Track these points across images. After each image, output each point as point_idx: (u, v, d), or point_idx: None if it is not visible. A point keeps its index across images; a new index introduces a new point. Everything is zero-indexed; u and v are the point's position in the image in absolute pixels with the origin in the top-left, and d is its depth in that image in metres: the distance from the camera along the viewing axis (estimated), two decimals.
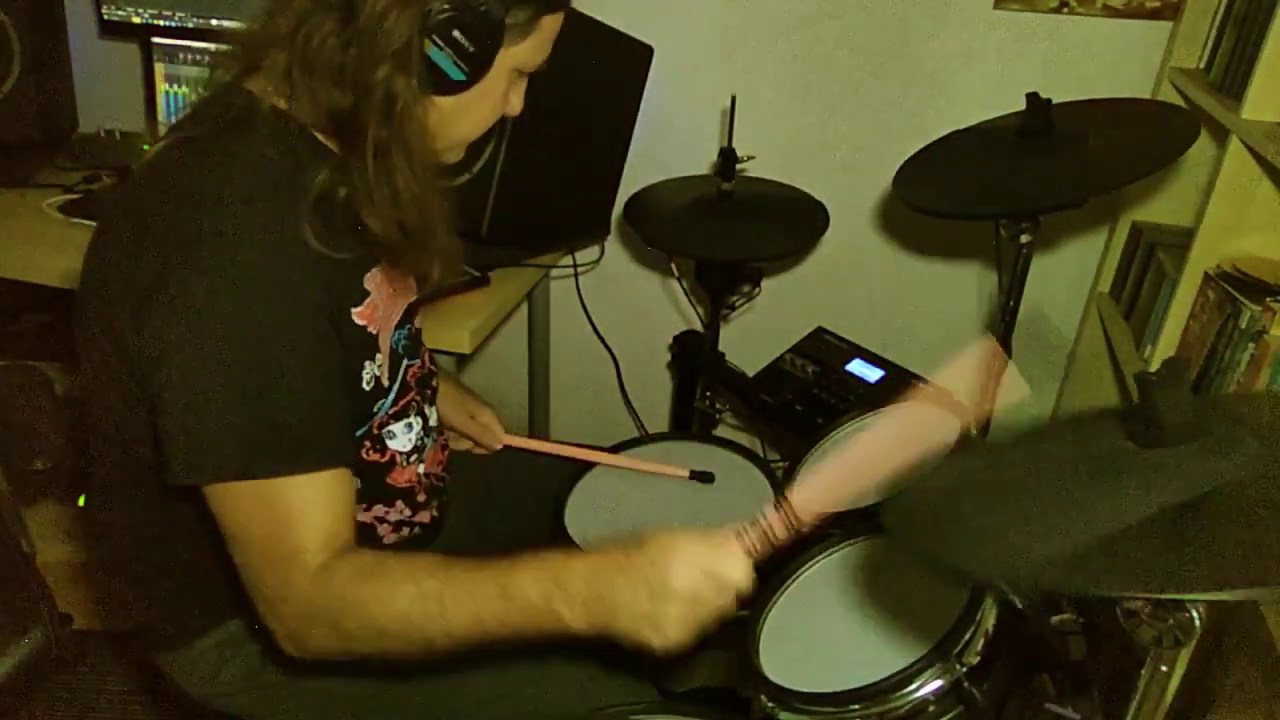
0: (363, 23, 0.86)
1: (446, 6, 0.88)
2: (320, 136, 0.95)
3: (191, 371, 0.85)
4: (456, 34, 0.89)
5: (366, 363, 1.00)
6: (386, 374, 1.04)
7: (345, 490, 0.93)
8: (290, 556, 0.88)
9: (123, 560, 1.11)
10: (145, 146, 1.94)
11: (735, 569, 0.87)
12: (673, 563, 0.85)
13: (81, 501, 1.13)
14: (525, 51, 0.97)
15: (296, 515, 0.88)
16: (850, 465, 0.89)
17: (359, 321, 0.97)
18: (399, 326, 1.07)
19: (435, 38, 0.89)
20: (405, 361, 1.09)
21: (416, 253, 0.98)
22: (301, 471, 0.88)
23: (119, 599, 1.14)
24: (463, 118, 0.98)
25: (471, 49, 0.91)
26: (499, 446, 1.42)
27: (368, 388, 1.01)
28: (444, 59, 0.90)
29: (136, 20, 1.93)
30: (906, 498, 0.84)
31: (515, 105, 1.04)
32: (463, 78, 0.92)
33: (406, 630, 0.88)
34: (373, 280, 0.99)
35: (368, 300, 0.98)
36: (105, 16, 1.94)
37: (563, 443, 1.41)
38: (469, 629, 0.88)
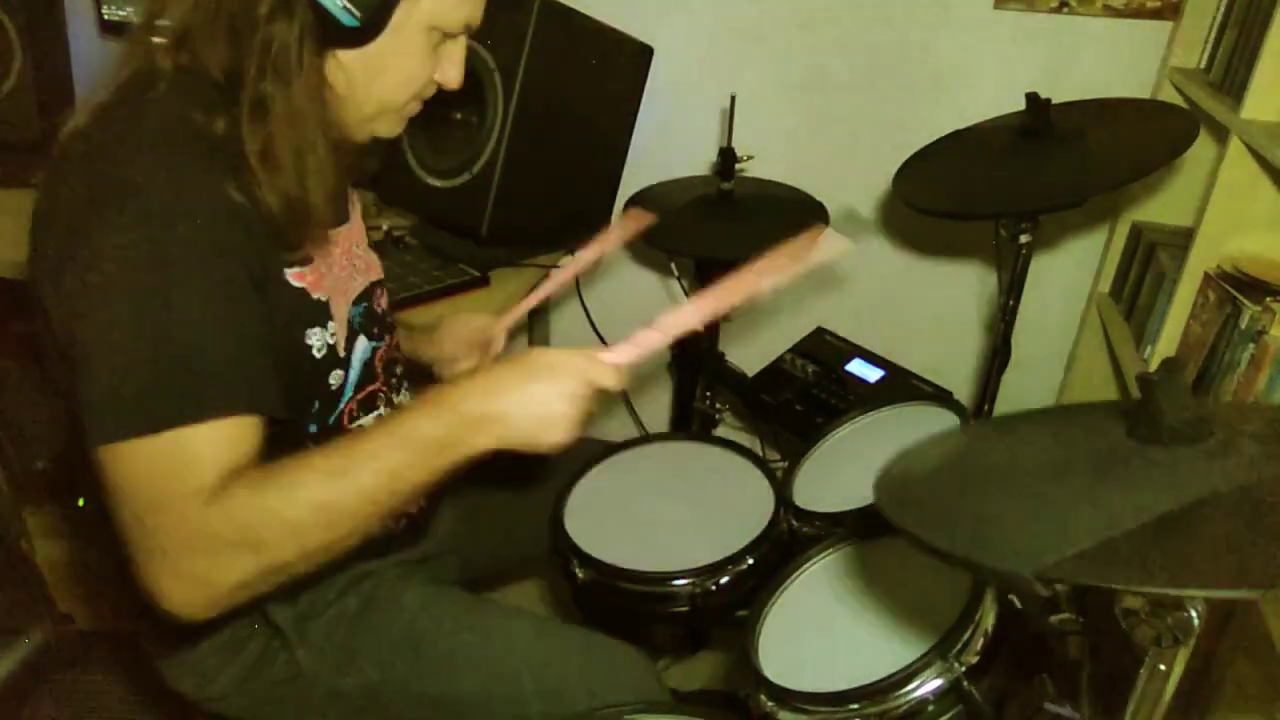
0: None
1: None
2: (222, 87, 0.90)
3: (101, 325, 0.82)
4: None
5: (314, 329, 0.97)
6: (343, 344, 1.02)
7: (252, 438, 0.87)
8: (186, 497, 0.82)
9: (118, 564, 1.10)
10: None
11: (605, 373, 0.93)
12: (551, 367, 0.92)
13: (81, 502, 1.12)
14: (439, 7, 0.92)
15: (199, 458, 0.83)
16: (711, 299, 0.97)
17: (296, 283, 0.94)
18: (356, 302, 1.05)
19: None
20: (366, 342, 1.07)
21: (298, 229, 0.91)
22: (207, 417, 0.83)
23: (117, 605, 1.14)
24: (377, 79, 0.93)
25: None
26: (500, 332, 1.34)
27: (319, 355, 0.98)
28: (331, 2, 0.86)
29: (136, 20, 1.93)
30: (908, 485, 0.83)
31: (451, 75, 0.98)
32: (355, 23, 0.87)
33: (325, 515, 0.85)
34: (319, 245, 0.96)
35: (312, 265, 0.96)
36: (105, 16, 1.94)
37: (537, 293, 1.35)
38: (383, 490, 0.86)
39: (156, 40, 0.92)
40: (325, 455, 0.87)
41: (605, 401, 0.97)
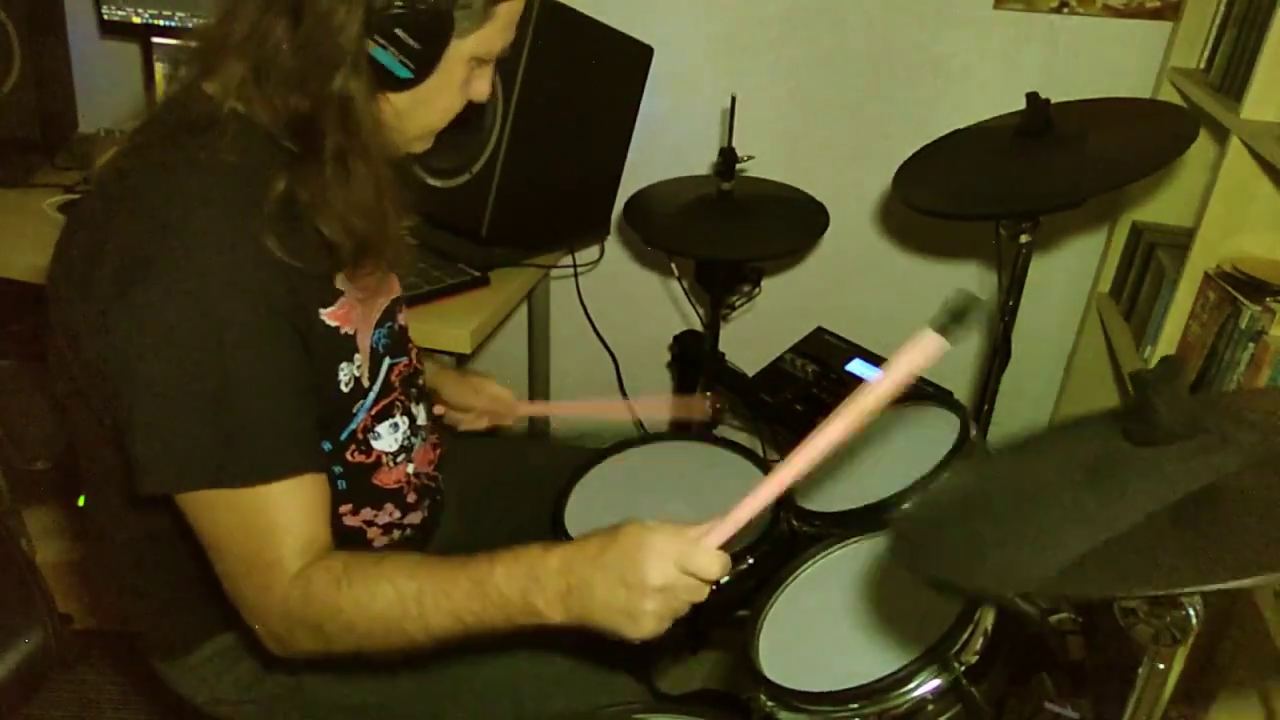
0: (310, 25, 0.85)
1: (391, 4, 0.86)
2: (281, 139, 0.93)
3: (156, 382, 0.85)
4: (399, 32, 0.88)
5: (343, 364, 0.99)
6: (367, 374, 1.03)
7: (320, 495, 0.92)
8: (268, 566, 0.88)
9: (118, 569, 1.10)
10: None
11: (709, 562, 0.86)
12: (648, 557, 0.84)
13: (81, 502, 1.12)
14: (482, 41, 0.95)
15: (272, 524, 0.88)
16: (801, 461, 0.88)
17: (331, 322, 0.96)
18: (379, 325, 1.06)
19: (378, 37, 0.88)
20: (388, 360, 1.07)
21: (369, 257, 0.97)
22: (274, 480, 0.87)
23: (117, 607, 1.14)
24: (421, 110, 0.97)
25: (417, 46, 0.89)
26: (517, 415, 1.42)
27: (346, 389, 1.00)
28: (388, 58, 0.89)
29: (136, 20, 1.94)
30: (912, 518, 0.83)
31: (481, 90, 1.02)
32: (409, 75, 0.91)
33: (386, 632, 0.88)
34: (345, 280, 0.98)
35: (341, 300, 0.97)
36: (105, 16, 1.94)
37: (574, 404, 1.42)
38: (448, 627, 0.88)
39: (209, 81, 0.93)
40: (407, 575, 0.88)
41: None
